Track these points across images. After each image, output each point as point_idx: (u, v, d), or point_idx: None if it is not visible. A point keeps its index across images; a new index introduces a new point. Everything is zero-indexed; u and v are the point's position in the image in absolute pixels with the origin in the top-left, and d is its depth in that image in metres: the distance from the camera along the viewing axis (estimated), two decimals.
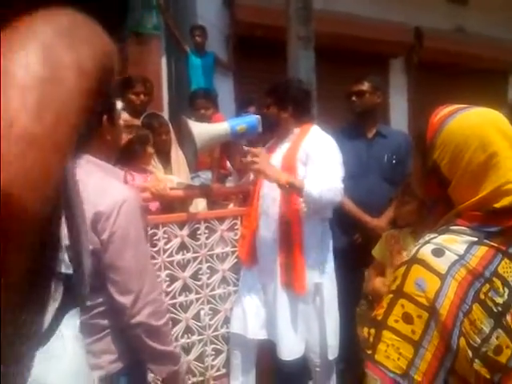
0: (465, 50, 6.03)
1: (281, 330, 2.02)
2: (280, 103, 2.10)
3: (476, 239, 0.84)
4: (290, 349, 2.01)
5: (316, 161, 1.97)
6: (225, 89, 4.56)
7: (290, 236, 1.99)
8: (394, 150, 2.43)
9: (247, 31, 4.60)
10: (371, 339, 0.84)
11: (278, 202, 2.03)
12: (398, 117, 5.95)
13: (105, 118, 1.18)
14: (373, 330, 0.85)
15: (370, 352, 0.83)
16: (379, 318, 0.85)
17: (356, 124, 2.51)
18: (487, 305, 0.80)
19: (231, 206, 2.50)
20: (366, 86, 2.46)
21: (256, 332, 2.10)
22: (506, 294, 0.81)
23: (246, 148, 2.00)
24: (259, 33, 4.58)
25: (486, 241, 0.84)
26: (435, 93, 5.92)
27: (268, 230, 2.07)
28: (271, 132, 2.20)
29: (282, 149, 2.12)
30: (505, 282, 0.81)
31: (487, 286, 0.81)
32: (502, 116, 0.90)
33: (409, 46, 5.92)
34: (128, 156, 2.22)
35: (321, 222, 2.06)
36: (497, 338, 0.80)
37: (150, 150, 2.36)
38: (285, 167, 2.04)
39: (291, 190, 1.92)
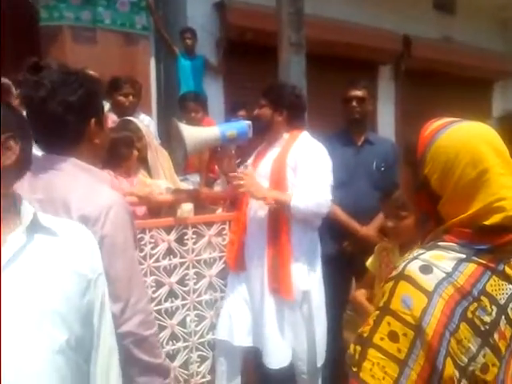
0: (452, 58, 6.12)
1: (267, 338, 2.00)
2: (275, 106, 2.09)
3: (464, 256, 0.83)
4: (277, 357, 2.00)
5: (305, 169, 1.97)
6: (214, 92, 4.54)
7: (277, 241, 1.98)
8: (382, 157, 2.44)
9: (238, 35, 4.60)
10: (357, 356, 0.83)
11: (266, 208, 2.02)
12: (385, 124, 6.01)
13: (92, 121, 1.15)
14: (359, 348, 0.83)
15: (355, 369, 0.82)
16: (365, 335, 0.83)
17: (346, 131, 2.51)
18: (475, 323, 0.79)
19: (219, 210, 2.47)
20: (365, 93, 2.45)
21: (242, 339, 2.08)
22: (493, 313, 0.80)
23: (231, 174, 2.01)
24: (249, 36, 4.58)
25: (474, 258, 0.82)
26: (422, 100, 5.99)
27: (256, 235, 2.06)
28: (261, 136, 2.19)
29: (272, 154, 2.11)
30: (493, 301, 0.81)
31: (475, 304, 0.80)
32: (492, 131, 0.89)
33: (397, 54, 5.98)
34: (113, 159, 2.19)
35: (309, 230, 2.05)
36: (484, 356, 0.79)
37: (135, 152, 2.32)
38: (274, 173, 2.03)
39: (278, 205, 1.95)
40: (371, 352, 0.81)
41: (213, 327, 2.22)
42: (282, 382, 2.09)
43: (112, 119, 2.79)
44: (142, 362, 1.10)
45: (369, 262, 1.96)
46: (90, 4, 4.04)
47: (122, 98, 2.81)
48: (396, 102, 6.35)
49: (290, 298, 1.96)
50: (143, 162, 2.56)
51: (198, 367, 2.23)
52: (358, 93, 2.43)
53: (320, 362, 2.06)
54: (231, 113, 3.76)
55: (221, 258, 2.25)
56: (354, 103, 2.42)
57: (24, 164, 0.88)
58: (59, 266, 0.84)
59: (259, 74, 4.42)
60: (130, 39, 4.24)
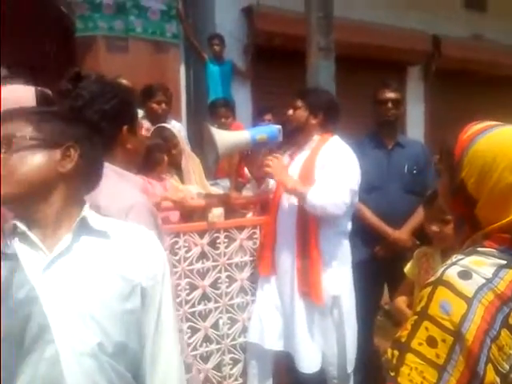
0: (483, 57, 5.97)
1: (298, 342, 2.01)
2: (312, 108, 2.10)
3: (505, 262, 0.82)
4: (308, 361, 2.00)
5: (328, 169, 1.97)
6: (242, 97, 4.59)
7: (307, 245, 1.99)
8: (413, 160, 2.41)
9: (265, 40, 4.63)
10: (394, 361, 0.83)
11: (296, 211, 2.03)
12: (414, 125, 5.90)
13: (125, 128, 1.21)
14: (396, 352, 0.84)
15: (393, 374, 0.82)
16: (403, 339, 0.83)
17: (376, 133, 2.49)
18: None
19: (250, 215, 2.50)
20: (398, 94, 2.44)
21: (273, 342, 2.09)
22: None
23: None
24: (277, 42, 4.61)
25: None
26: (453, 101, 5.86)
27: (286, 239, 2.07)
28: (292, 139, 2.20)
29: (302, 156, 2.12)
30: None
31: None
32: None
33: (427, 54, 5.88)
34: (147, 164, 2.26)
35: (340, 234, 2.05)
36: None
37: (166, 158, 2.40)
38: (303, 175, 2.05)
39: (296, 195, 1.97)
40: (409, 357, 0.81)
41: (245, 330, 2.24)
42: None
43: (146, 126, 2.87)
44: None
45: (407, 268, 1.93)
46: (122, 13, 4.15)
47: (155, 106, 2.89)
48: (426, 103, 6.23)
49: (319, 303, 1.97)
50: (177, 167, 2.63)
51: (231, 369, 2.26)
52: (393, 95, 2.41)
53: (350, 367, 2.05)
54: (258, 117, 3.80)
55: (252, 261, 2.27)
56: (390, 105, 2.39)
57: (88, 170, 0.92)
58: (102, 268, 0.86)
59: (287, 79, 4.45)
60: (160, 47, 4.34)
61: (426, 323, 0.81)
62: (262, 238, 2.23)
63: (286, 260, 2.07)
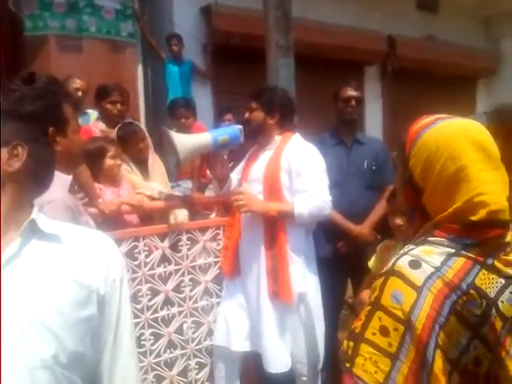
0: (436, 57, 6.20)
1: (266, 342, 2.00)
2: (267, 109, 2.09)
3: (453, 251, 0.84)
4: (278, 361, 1.99)
5: (302, 173, 1.98)
6: (203, 97, 4.54)
7: (275, 244, 1.98)
8: (372, 157, 2.46)
9: (224, 39, 4.60)
10: (350, 352, 0.84)
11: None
12: (373, 123, 6.05)
13: (51, 129, 1.18)
14: (351, 343, 0.84)
15: (348, 365, 0.83)
16: (357, 330, 0.84)
17: (335, 131, 2.52)
18: (464, 316, 0.80)
19: (213, 215, 2.47)
20: (360, 93, 2.47)
21: (240, 344, 2.07)
22: (483, 305, 0.81)
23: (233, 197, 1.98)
24: (236, 41, 4.59)
25: (463, 252, 0.83)
26: (408, 99, 6.05)
27: (252, 239, 2.05)
28: (253, 140, 2.19)
29: (265, 157, 2.11)
30: (482, 294, 0.81)
31: (464, 298, 0.80)
32: (480, 127, 0.89)
33: (383, 54, 6.04)
34: (97, 170, 2.17)
35: (304, 232, 2.06)
36: (474, 349, 0.80)
37: (110, 161, 2.25)
38: (268, 176, 2.03)
39: (281, 216, 1.95)
40: (363, 347, 0.82)
41: (210, 333, 2.21)
42: None
43: (100, 127, 2.78)
44: None
45: (371, 261, 1.96)
46: (74, 12, 4.01)
47: (109, 106, 2.79)
48: (383, 101, 6.40)
49: (289, 301, 1.96)
50: (142, 162, 2.56)
51: (197, 374, 2.21)
52: (354, 93, 2.45)
53: (319, 363, 2.06)
54: (218, 117, 3.76)
55: (216, 263, 2.24)
56: (353, 103, 2.43)
57: (37, 171, 0.87)
58: (55, 274, 0.80)
59: (247, 78, 4.43)
60: (116, 47, 4.22)
61: (378, 313, 0.82)
62: (225, 240, 2.20)
63: (252, 260, 2.05)
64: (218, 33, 4.59)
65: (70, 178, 1.25)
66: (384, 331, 0.81)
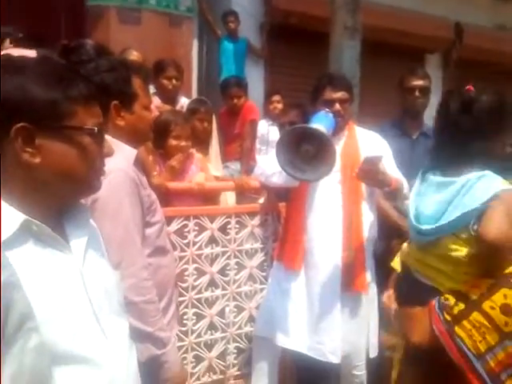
0: (506, 48, 5.77)
1: (337, 333, 1.90)
2: (351, 99, 1.96)
3: None
4: (338, 352, 1.90)
5: (387, 159, 1.85)
6: (255, 76, 4.44)
7: (352, 233, 1.90)
8: None
9: (282, 18, 4.46)
10: (456, 311, 0.86)
11: (340, 198, 1.90)
12: (431, 114, 5.74)
13: (112, 104, 1.16)
14: (462, 305, 0.86)
15: (449, 319, 0.85)
16: (474, 297, 0.85)
17: (400, 122, 2.36)
18: None
19: (261, 200, 2.40)
20: (427, 82, 2.29)
21: (286, 340, 1.93)
22: None
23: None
24: (294, 20, 4.44)
25: None
26: None
27: (324, 231, 1.91)
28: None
29: (339, 146, 1.93)
30: None
31: None
32: None
33: (448, 42, 5.69)
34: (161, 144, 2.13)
35: (376, 222, 1.99)
36: None
37: (173, 142, 2.11)
38: (347, 166, 1.89)
39: (393, 193, 1.79)
40: (476, 315, 0.84)
41: (251, 319, 2.18)
42: (320, 380, 2.03)
43: (155, 103, 2.75)
44: (131, 327, 1.08)
45: (394, 261, 1.86)
46: None
47: (165, 81, 2.76)
48: (443, 91, 6.05)
49: (364, 291, 1.92)
50: (204, 143, 2.51)
51: (235, 359, 2.20)
52: (421, 82, 2.27)
53: (373, 353, 1.99)
54: (266, 98, 3.67)
55: (262, 249, 2.19)
56: (417, 93, 2.26)
57: None
58: (100, 255, 0.86)
59: (303, 60, 4.30)
60: (173, 20, 4.17)
61: (504, 290, 0.83)
62: (288, 229, 1.99)
63: (323, 251, 1.91)
64: (277, 11, 4.46)
65: (134, 151, 1.22)
66: (506, 310, 0.82)
